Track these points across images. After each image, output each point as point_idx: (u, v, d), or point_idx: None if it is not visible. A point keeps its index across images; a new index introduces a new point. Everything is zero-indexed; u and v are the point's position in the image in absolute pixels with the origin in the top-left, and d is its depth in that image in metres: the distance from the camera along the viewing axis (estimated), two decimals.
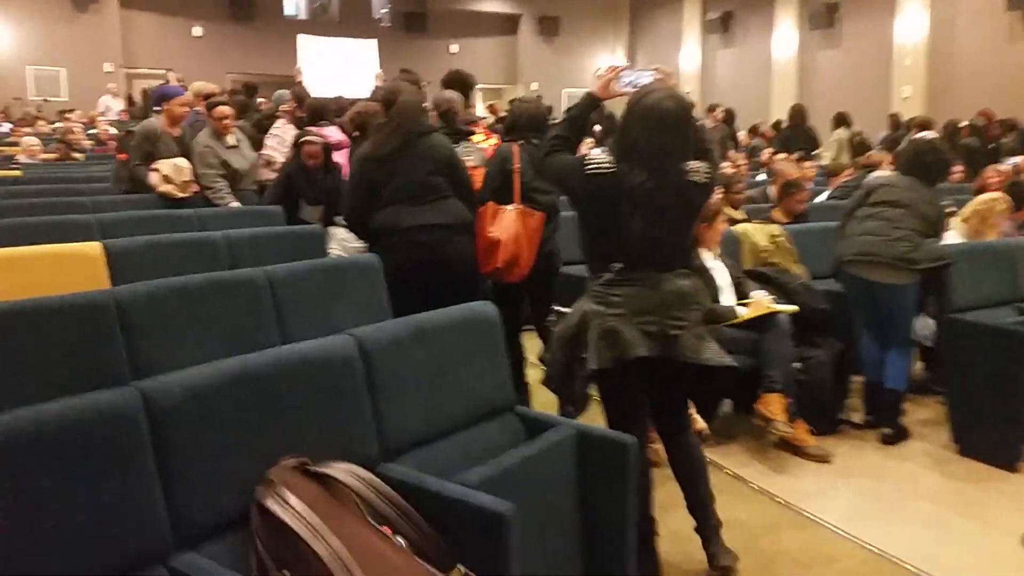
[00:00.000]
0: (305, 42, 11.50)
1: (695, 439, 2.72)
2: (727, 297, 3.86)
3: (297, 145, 5.05)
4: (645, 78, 2.50)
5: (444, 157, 3.63)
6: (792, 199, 5.06)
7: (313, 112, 5.73)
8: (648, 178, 2.28)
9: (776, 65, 15.79)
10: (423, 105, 3.83)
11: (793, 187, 5.14)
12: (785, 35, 15.54)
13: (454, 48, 20.37)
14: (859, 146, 9.58)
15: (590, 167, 2.34)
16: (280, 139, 5.94)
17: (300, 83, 7.34)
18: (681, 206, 2.38)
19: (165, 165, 5.13)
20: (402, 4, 19.88)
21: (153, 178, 5.08)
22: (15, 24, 15.79)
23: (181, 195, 5.08)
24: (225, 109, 5.35)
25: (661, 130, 2.28)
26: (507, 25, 20.82)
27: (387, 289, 3.40)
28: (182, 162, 5.16)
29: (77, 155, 9.61)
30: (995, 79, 11.80)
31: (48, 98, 15.52)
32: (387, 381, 2.10)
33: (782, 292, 4.00)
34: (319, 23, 19.26)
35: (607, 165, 2.33)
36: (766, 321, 3.75)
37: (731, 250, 4.26)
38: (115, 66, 16.37)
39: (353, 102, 5.93)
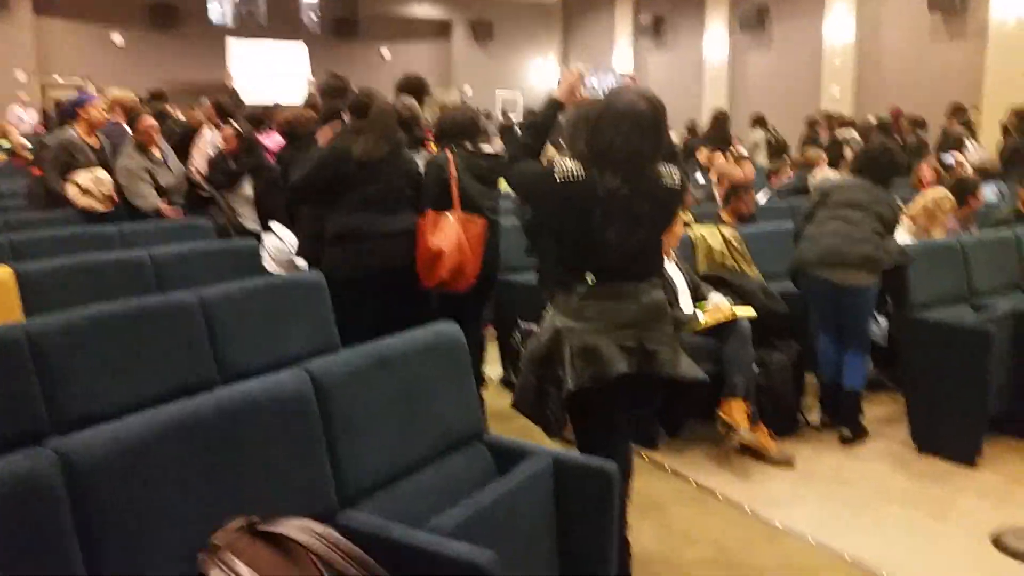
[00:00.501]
0: (235, 46, 11.15)
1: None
2: (685, 302, 3.77)
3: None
4: (609, 82, 2.39)
5: (414, 170, 3.70)
6: (740, 201, 5.01)
7: (251, 120, 5.65)
8: (623, 184, 2.17)
9: (708, 67, 15.97)
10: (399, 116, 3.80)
11: (741, 189, 5.10)
12: (716, 38, 15.73)
13: (386, 53, 20.07)
14: (776, 147, 9.82)
15: (559, 175, 2.20)
16: (203, 152, 5.68)
17: (232, 90, 7.08)
18: (656, 212, 2.27)
19: (83, 177, 4.82)
20: (332, 10, 19.50)
21: (71, 191, 4.77)
22: None
23: (103, 209, 4.78)
24: (151, 120, 5.03)
25: (636, 132, 2.17)
26: (440, 30, 20.63)
27: (340, 296, 3.24)
28: (102, 173, 4.87)
29: None
30: (919, 77, 12.13)
31: None
32: (345, 419, 1.88)
33: (739, 295, 3.93)
34: (246, 29, 18.77)
35: (576, 171, 2.20)
36: (726, 327, 3.67)
37: (685, 254, 4.18)
38: (27, 75, 15.55)
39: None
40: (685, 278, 3.86)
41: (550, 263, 2.97)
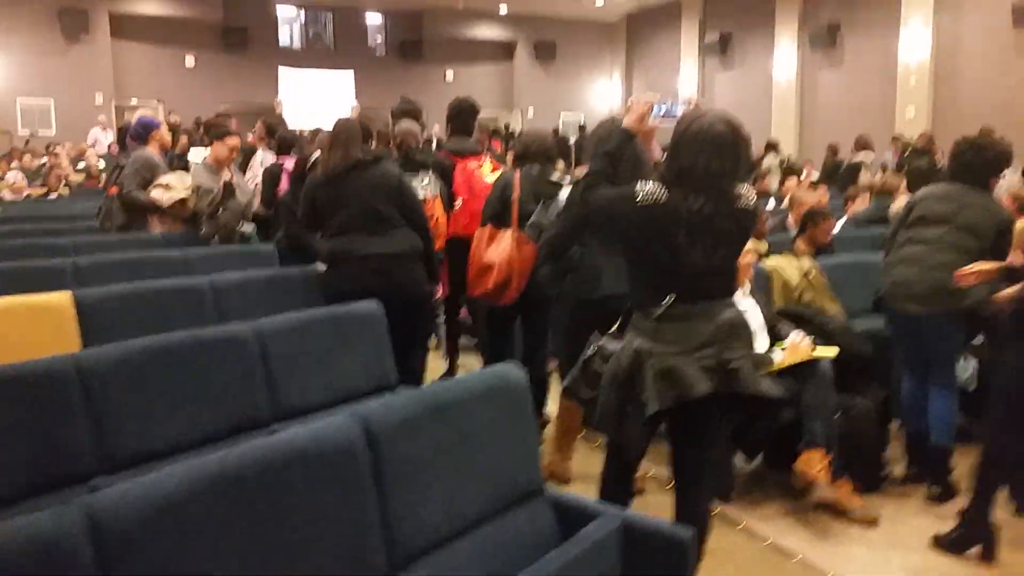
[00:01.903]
0: (286, 74, 11.64)
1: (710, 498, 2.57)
2: (761, 341, 3.53)
3: None
4: (676, 109, 2.38)
5: (393, 186, 3.70)
6: (818, 229, 4.72)
7: (282, 143, 5.68)
8: (706, 203, 2.22)
9: (776, 87, 15.60)
10: (366, 129, 3.88)
11: (818, 216, 4.82)
12: (785, 56, 15.35)
13: (450, 75, 20.20)
14: (788, 171, 9.54)
15: (641, 197, 2.25)
16: (256, 172, 5.84)
17: (280, 115, 7.24)
18: (736, 231, 2.32)
19: (165, 177, 4.88)
20: (398, 32, 19.76)
21: (156, 193, 4.79)
22: (5, 55, 15.56)
23: (190, 202, 4.78)
24: (234, 140, 5.01)
25: (716, 153, 2.22)
26: (503, 51, 20.68)
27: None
28: (183, 175, 4.93)
29: (64, 190, 9.31)
30: (1001, 96, 11.57)
31: (37, 131, 15.23)
32: (398, 472, 1.76)
33: (820, 334, 3.65)
34: (314, 52, 19.15)
35: (659, 194, 2.25)
36: (805, 368, 3.41)
37: (761, 287, 3.93)
38: (105, 97, 16.12)
39: None
40: (761, 313, 3.63)
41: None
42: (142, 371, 2.40)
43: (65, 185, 9.59)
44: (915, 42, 12.84)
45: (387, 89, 16.52)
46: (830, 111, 14.46)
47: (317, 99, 11.10)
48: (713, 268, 2.27)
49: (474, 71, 20.45)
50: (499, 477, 1.99)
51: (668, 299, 2.25)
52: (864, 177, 9.09)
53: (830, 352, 3.47)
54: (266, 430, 2.55)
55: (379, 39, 20.11)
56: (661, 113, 2.60)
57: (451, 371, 4.88)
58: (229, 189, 4.79)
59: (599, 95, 20.79)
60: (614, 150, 2.48)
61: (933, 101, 12.76)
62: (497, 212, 3.73)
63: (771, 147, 10.92)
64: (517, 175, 3.73)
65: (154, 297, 3.47)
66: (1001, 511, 3.29)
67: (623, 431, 2.33)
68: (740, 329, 2.33)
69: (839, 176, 9.69)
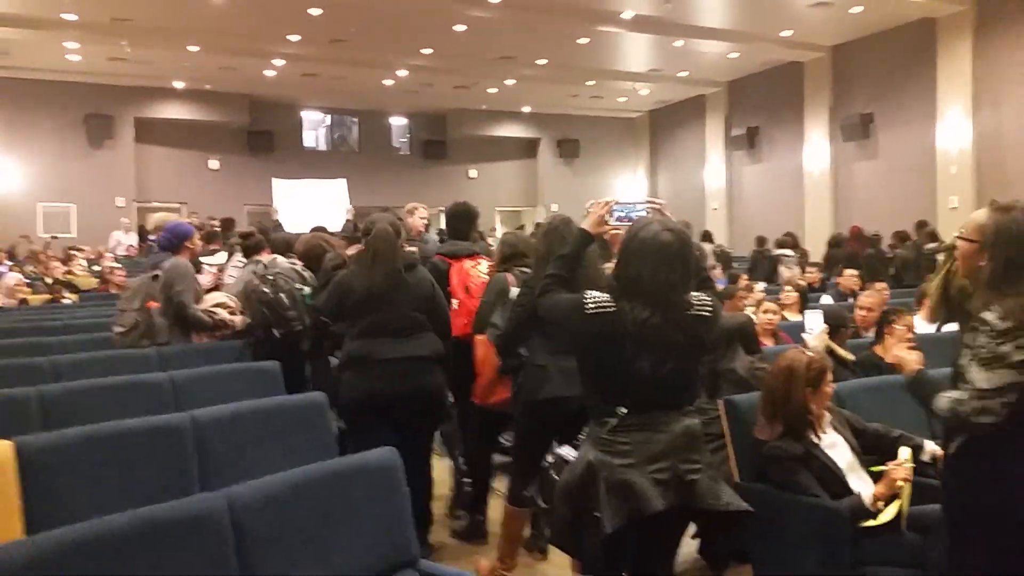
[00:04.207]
0: (278, 185, 12.10)
1: None
2: (855, 483, 2.84)
3: None
4: (638, 211, 2.49)
5: (427, 293, 3.73)
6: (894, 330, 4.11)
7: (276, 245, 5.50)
8: (652, 314, 2.18)
9: (808, 178, 15.19)
10: (397, 231, 3.79)
11: (893, 316, 4.21)
12: (816, 147, 15.01)
13: (473, 173, 20.20)
14: (723, 259, 10.59)
15: (591, 306, 2.23)
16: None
17: (275, 220, 7.36)
18: (687, 341, 2.24)
19: (222, 298, 4.78)
20: (422, 132, 19.90)
21: (222, 313, 4.65)
22: (28, 162, 15.70)
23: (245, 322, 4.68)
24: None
25: (662, 263, 2.21)
26: (526, 148, 20.70)
27: (355, 420, 3.54)
28: (229, 295, 4.82)
29: (70, 296, 8.93)
30: None
31: (57, 235, 15.15)
32: (261, 548, 1.83)
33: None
34: (339, 154, 19.27)
35: (608, 303, 2.23)
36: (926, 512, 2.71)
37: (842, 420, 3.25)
38: (127, 200, 16.12)
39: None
40: (849, 447, 2.95)
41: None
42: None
43: (74, 291, 9.23)
44: (955, 131, 12.43)
45: (412, 188, 16.42)
46: (866, 202, 13.97)
47: (309, 207, 11.65)
48: (663, 380, 2.21)
49: (498, 168, 20.43)
50: (369, 550, 2.03)
51: (621, 410, 2.21)
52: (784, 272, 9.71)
53: None
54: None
55: (403, 140, 20.25)
56: (622, 216, 2.52)
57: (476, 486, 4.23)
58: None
59: (624, 188, 20.60)
60: (571, 253, 2.51)
61: (977, 190, 12.24)
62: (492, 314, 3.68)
63: (705, 236, 11.82)
64: (510, 276, 3.68)
65: (112, 393, 3.39)
66: None
67: (579, 548, 2.25)
68: (697, 441, 2.26)
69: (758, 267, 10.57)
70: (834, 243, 11.08)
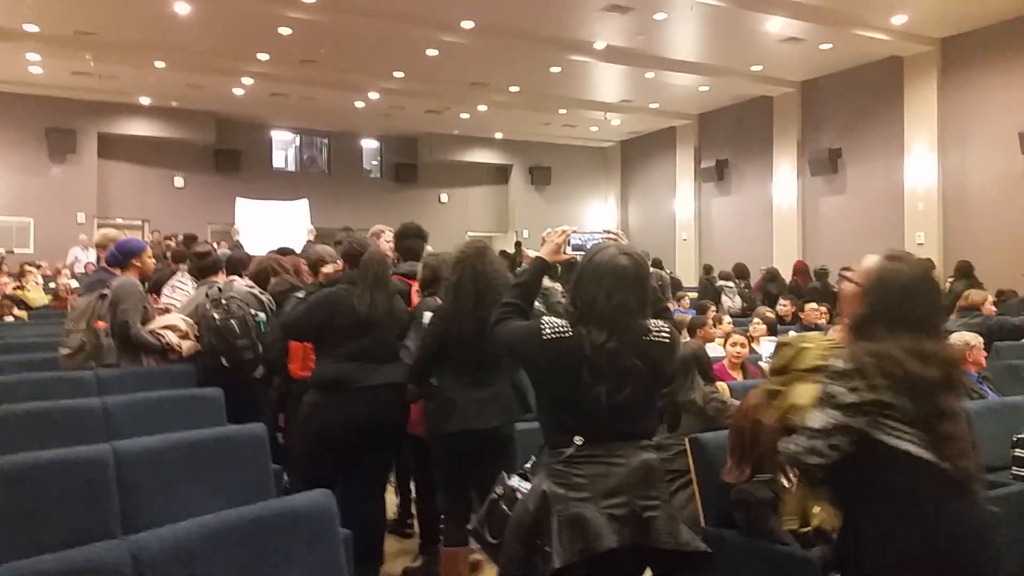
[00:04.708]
0: (242, 204, 11.90)
1: None
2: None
3: None
4: (595, 241, 2.44)
5: (405, 321, 3.64)
6: None
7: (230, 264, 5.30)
8: (608, 339, 2.12)
9: (777, 211, 15.27)
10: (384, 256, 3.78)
11: None
12: (785, 181, 15.10)
13: (444, 197, 20.07)
14: (671, 286, 10.29)
15: (547, 332, 2.17)
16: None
17: (236, 240, 7.11)
18: (645, 368, 2.16)
19: (174, 320, 4.48)
20: (393, 155, 19.77)
21: (170, 336, 4.37)
22: None
23: (195, 348, 4.42)
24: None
25: (618, 287, 2.16)
26: (498, 174, 20.65)
27: (316, 445, 3.37)
28: (184, 318, 4.53)
29: (18, 313, 8.58)
30: (1014, 219, 11.21)
31: (13, 249, 14.68)
32: None
33: None
34: (309, 175, 19.04)
35: (564, 329, 2.17)
36: None
37: None
38: (88, 216, 15.71)
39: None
40: None
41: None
42: None
43: (22, 307, 8.88)
44: (921, 168, 12.58)
45: (382, 211, 16.24)
46: (834, 236, 14.06)
47: (271, 228, 11.53)
48: (620, 408, 2.12)
49: (469, 193, 20.32)
50: None
51: (577, 440, 2.12)
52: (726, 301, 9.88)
53: None
54: None
55: (375, 162, 20.09)
56: (578, 245, 2.48)
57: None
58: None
59: (594, 217, 20.60)
60: (526, 281, 2.46)
61: (943, 226, 12.37)
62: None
63: (656, 263, 11.43)
64: (437, 299, 3.57)
65: (36, 420, 3.18)
66: None
67: None
68: (655, 475, 2.17)
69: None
70: (769, 277, 11.16)
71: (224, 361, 4.24)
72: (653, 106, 16.65)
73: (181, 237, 11.81)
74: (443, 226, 18.62)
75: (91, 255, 14.03)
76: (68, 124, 15.60)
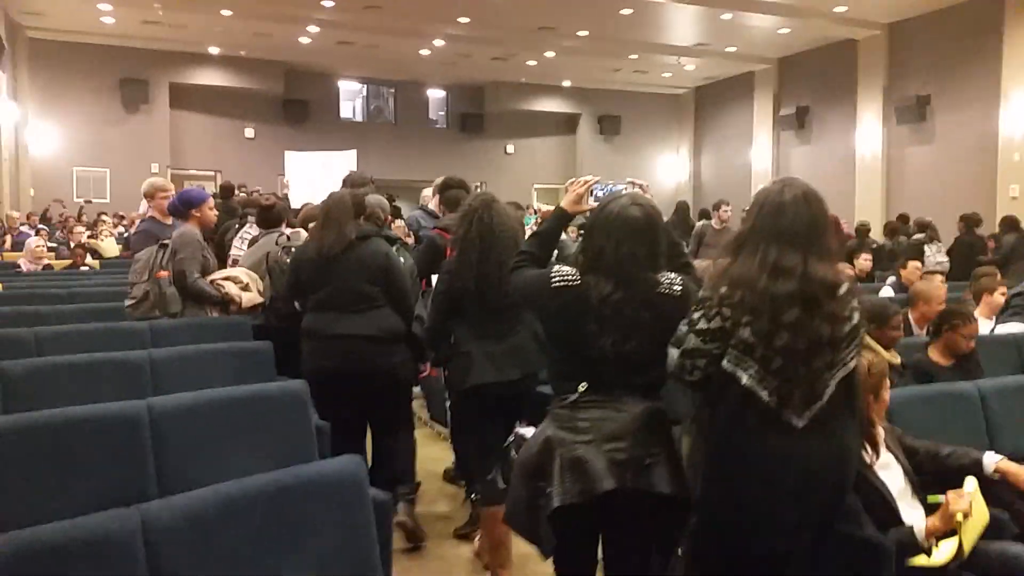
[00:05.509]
0: (291, 156, 11.92)
1: None
2: (907, 513, 2.44)
3: None
4: (619, 190, 2.38)
5: (380, 265, 3.55)
6: (957, 334, 3.67)
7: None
8: (615, 289, 2.12)
9: (860, 162, 14.50)
10: (359, 205, 3.66)
11: (957, 318, 3.75)
12: (869, 130, 14.29)
13: (510, 148, 19.78)
14: (913, 251, 8.89)
15: (555, 280, 2.19)
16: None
17: (285, 194, 7.87)
18: (653, 319, 2.15)
19: (236, 272, 4.45)
20: (459, 105, 19.52)
21: (231, 288, 4.33)
22: (63, 126, 15.66)
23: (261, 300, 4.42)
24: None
25: (627, 238, 2.14)
26: (566, 124, 20.20)
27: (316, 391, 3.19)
28: (251, 271, 4.49)
29: (91, 262, 8.80)
30: None
31: (91, 199, 15.14)
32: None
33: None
34: (375, 125, 18.99)
35: (572, 277, 2.18)
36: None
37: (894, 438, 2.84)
38: (162, 167, 16.02)
39: None
40: (902, 470, 2.55)
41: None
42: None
43: (95, 256, 9.10)
44: (1018, 116, 11.68)
45: (447, 163, 16.06)
46: (920, 189, 13.28)
47: (319, 178, 11.54)
48: (625, 358, 2.13)
49: (535, 144, 19.98)
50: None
51: (582, 386, 2.15)
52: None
53: None
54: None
55: (441, 112, 19.89)
56: (601, 196, 2.38)
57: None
58: None
59: (665, 169, 20.02)
60: (546, 230, 2.47)
61: None
62: None
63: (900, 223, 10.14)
64: None
65: (85, 370, 3.16)
66: None
67: (533, 528, 2.14)
68: (659, 426, 2.16)
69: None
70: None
71: (297, 306, 4.22)
72: (730, 50, 15.90)
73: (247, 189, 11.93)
74: (509, 178, 18.39)
75: None
76: (141, 74, 15.87)
